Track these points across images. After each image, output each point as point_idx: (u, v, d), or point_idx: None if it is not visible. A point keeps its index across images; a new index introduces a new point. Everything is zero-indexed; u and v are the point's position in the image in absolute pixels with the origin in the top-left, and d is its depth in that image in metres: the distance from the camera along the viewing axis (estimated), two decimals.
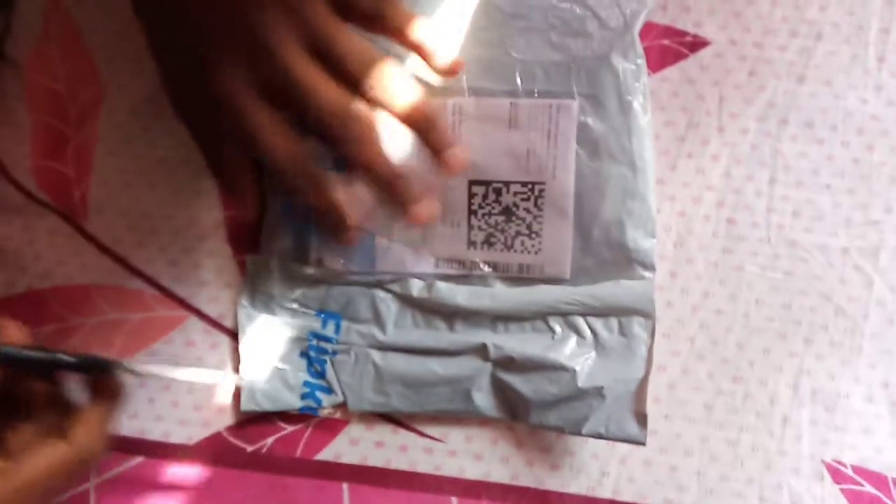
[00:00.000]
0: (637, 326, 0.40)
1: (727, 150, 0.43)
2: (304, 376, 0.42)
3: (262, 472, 0.42)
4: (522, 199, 0.41)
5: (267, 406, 0.41)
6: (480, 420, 0.42)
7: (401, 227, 0.41)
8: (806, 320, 0.42)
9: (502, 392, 0.40)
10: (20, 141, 0.45)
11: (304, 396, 0.41)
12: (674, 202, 0.44)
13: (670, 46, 0.44)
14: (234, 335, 0.43)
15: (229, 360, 0.43)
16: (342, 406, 0.42)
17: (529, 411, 0.40)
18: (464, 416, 0.41)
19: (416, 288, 0.41)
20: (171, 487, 0.42)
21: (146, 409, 0.43)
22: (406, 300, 0.41)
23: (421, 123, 0.36)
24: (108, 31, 0.45)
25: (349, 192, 0.37)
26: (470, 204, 0.41)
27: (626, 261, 0.40)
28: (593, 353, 0.40)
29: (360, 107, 0.35)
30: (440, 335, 0.41)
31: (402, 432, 0.43)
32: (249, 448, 0.42)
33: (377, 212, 0.39)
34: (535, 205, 0.41)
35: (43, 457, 0.31)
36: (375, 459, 0.42)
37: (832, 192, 0.43)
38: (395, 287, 0.41)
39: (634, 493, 0.42)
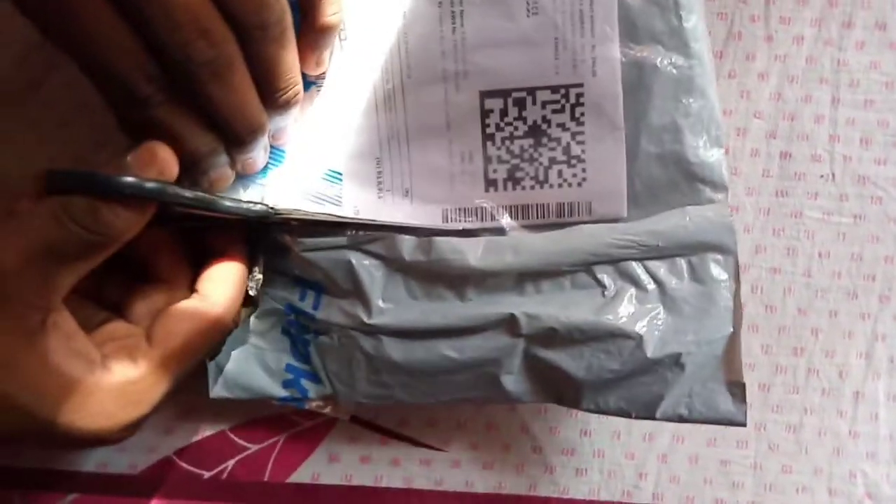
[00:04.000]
0: (714, 267, 0.30)
1: (778, 65, 0.36)
2: (287, 358, 0.33)
3: (224, 501, 0.36)
4: (555, 111, 0.31)
5: (241, 393, 0.33)
6: (487, 423, 0.35)
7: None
8: (881, 274, 0.36)
9: (541, 373, 0.31)
10: None
11: (286, 384, 0.33)
12: None
13: None
14: None
15: None
16: (332, 398, 0.33)
17: (581, 394, 0.30)
18: (490, 403, 0.34)
19: (408, 248, 0.31)
20: None
21: None
22: (395, 265, 0.32)
23: None
24: None
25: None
26: (484, 126, 0.31)
27: (686, 179, 0.31)
28: (661, 310, 0.30)
29: None
30: (448, 308, 0.31)
31: (393, 443, 0.35)
32: (206, 474, 0.36)
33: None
34: (573, 116, 0.31)
35: (184, 321, 0.27)
36: (362, 478, 0.36)
37: None
38: (378, 248, 0.32)
39: (679, 495, 0.35)
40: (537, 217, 0.31)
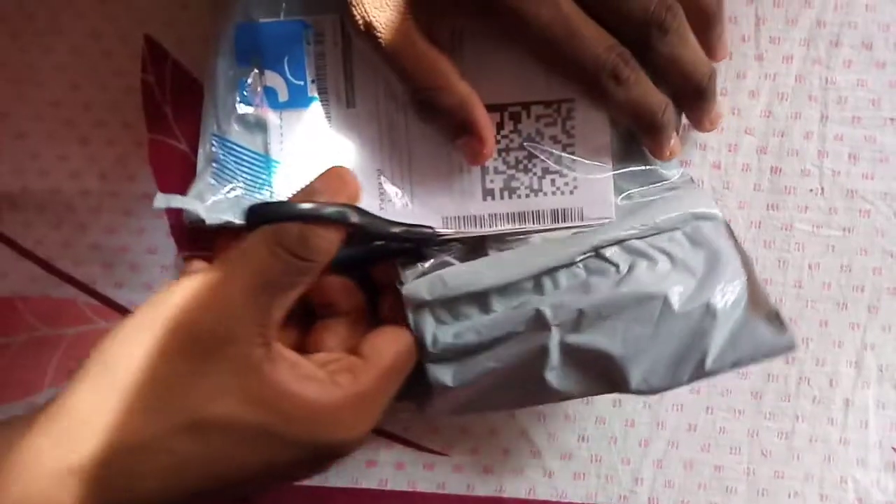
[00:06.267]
0: (707, 230, 0.31)
1: (768, 83, 0.37)
2: None
3: (229, 503, 0.36)
4: (547, 125, 0.33)
5: None
6: (489, 428, 0.37)
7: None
8: (869, 285, 0.37)
9: (581, 360, 0.30)
10: None
11: None
12: (706, 151, 0.36)
13: None
14: None
15: None
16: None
17: (627, 372, 0.30)
18: (543, 403, 0.34)
19: (424, 288, 0.31)
20: None
21: None
22: (418, 302, 0.31)
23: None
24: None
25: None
26: None
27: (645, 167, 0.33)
28: (675, 272, 0.31)
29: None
30: (477, 324, 0.31)
31: (398, 447, 0.37)
32: None
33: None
34: (564, 129, 0.33)
35: (389, 341, 0.29)
36: (367, 481, 0.37)
37: None
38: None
39: (674, 499, 0.36)
40: (533, 223, 0.33)
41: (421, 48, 0.30)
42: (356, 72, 0.33)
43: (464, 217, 0.33)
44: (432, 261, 0.32)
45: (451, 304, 0.31)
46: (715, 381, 0.36)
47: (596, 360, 0.30)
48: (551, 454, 0.37)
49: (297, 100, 0.34)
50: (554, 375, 0.30)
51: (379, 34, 0.30)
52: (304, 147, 0.34)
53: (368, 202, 0.34)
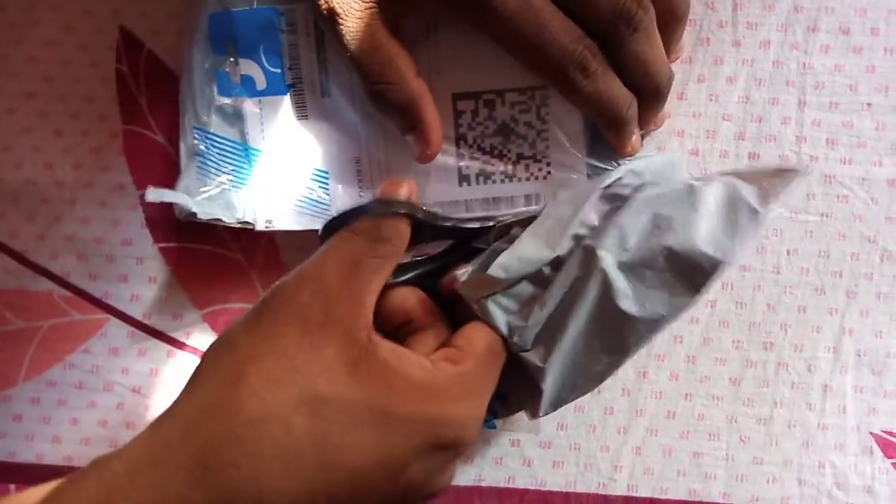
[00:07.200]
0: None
1: (745, 69, 0.36)
2: None
3: None
4: (522, 111, 0.33)
5: None
6: None
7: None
8: (847, 270, 0.36)
9: (643, 275, 0.28)
10: None
11: None
12: (683, 138, 0.36)
13: None
14: (165, 338, 0.36)
15: (162, 368, 0.36)
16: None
17: (697, 252, 0.27)
18: (634, 351, 0.30)
19: (481, 284, 0.29)
20: None
21: (70, 432, 0.37)
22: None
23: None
24: None
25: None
26: (457, 126, 0.33)
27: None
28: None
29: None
30: (540, 296, 0.29)
31: None
32: None
33: None
34: (539, 116, 0.33)
35: (478, 332, 0.28)
36: None
37: (874, 113, 0.36)
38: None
39: (653, 486, 0.36)
40: (508, 207, 0.33)
41: (379, 40, 0.30)
42: (330, 61, 0.33)
43: (440, 203, 0.33)
44: (480, 257, 0.30)
45: (510, 291, 0.30)
46: (693, 368, 0.36)
47: (658, 261, 0.28)
48: (530, 442, 0.37)
49: (275, 87, 0.34)
50: (628, 302, 0.28)
51: (341, 21, 0.29)
52: (286, 134, 0.34)
53: (348, 190, 0.34)
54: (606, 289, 0.28)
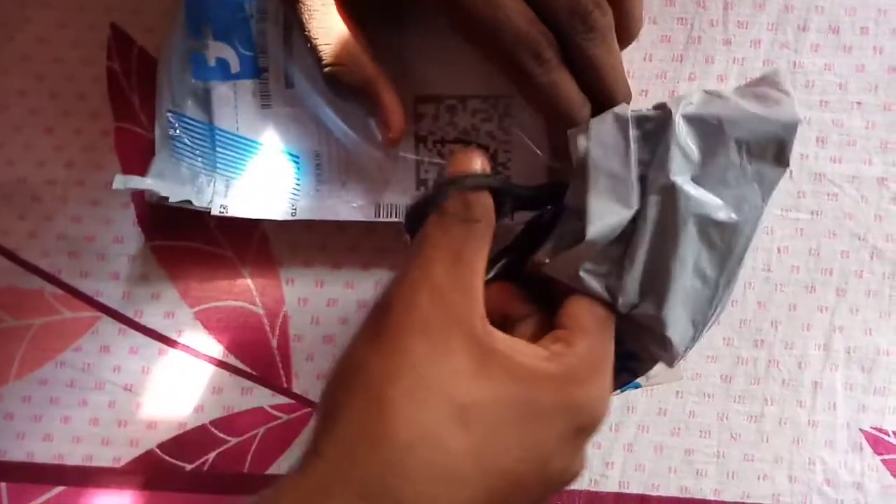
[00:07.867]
0: None
1: (736, 68, 0.37)
2: None
3: (205, 492, 0.37)
4: (483, 120, 0.33)
5: None
6: None
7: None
8: (837, 268, 0.37)
9: (721, 178, 0.27)
10: None
11: None
12: None
13: None
14: (157, 336, 0.36)
15: (154, 366, 0.36)
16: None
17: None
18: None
19: (568, 260, 0.28)
20: None
21: (61, 430, 0.36)
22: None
23: None
24: None
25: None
26: (417, 128, 0.33)
27: None
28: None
29: None
30: (628, 249, 0.28)
31: None
32: (188, 466, 0.37)
33: None
34: (500, 126, 0.33)
35: (579, 306, 0.27)
36: None
37: (864, 111, 0.36)
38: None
39: (644, 483, 0.36)
40: None
41: (335, 21, 0.29)
42: (296, 53, 0.33)
43: (397, 206, 0.33)
44: (553, 236, 0.30)
45: (598, 258, 0.28)
46: (685, 366, 0.36)
47: (733, 158, 0.27)
48: None
49: (249, 70, 0.34)
50: (725, 211, 0.27)
51: (301, 2, 0.29)
52: (258, 117, 0.34)
53: (307, 181, 0.34)
54: (697, 209, 0.27)
